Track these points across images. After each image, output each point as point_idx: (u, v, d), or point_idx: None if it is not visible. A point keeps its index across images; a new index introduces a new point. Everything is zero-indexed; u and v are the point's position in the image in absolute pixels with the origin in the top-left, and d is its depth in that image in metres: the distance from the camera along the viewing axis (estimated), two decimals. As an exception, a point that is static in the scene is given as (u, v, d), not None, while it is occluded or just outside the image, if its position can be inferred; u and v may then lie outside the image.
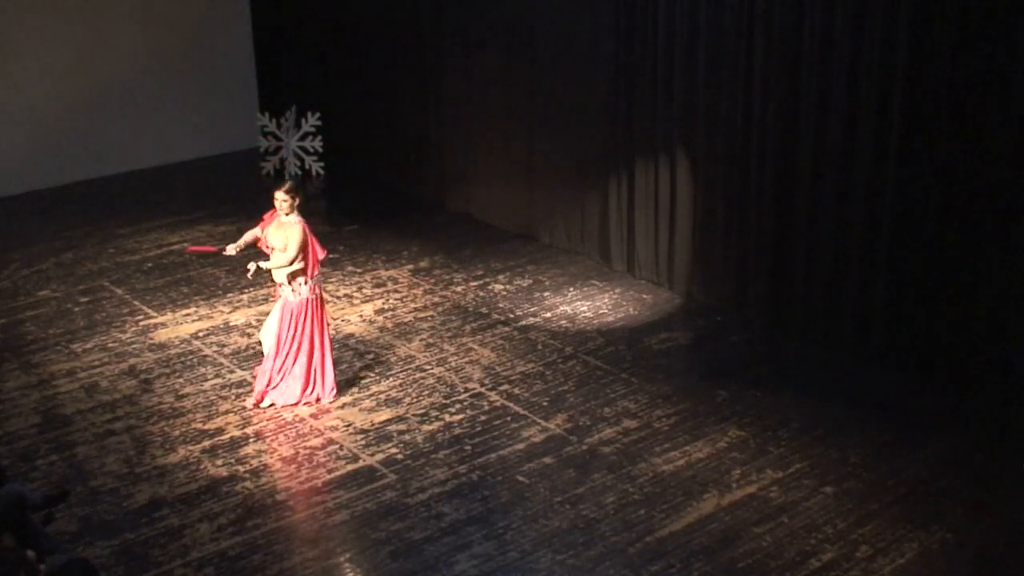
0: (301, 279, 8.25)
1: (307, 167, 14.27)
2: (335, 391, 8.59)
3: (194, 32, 14.67)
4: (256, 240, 8.45)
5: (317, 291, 8.38)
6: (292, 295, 8.27)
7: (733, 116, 9.57)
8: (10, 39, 13.31)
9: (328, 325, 8.59)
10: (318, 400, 8.54)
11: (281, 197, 8.12)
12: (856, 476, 7.54)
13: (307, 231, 8.17)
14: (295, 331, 8.32)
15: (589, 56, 10.73)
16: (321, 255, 8.33)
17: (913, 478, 7.50)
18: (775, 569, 6.64)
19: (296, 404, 8.48)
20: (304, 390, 8.47)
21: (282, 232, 8.14)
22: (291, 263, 8.13)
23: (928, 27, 8.10)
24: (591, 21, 10.63)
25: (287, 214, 8.15)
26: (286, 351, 8.36)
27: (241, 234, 8.69)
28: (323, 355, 8.49)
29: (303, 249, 8.13)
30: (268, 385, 8.48)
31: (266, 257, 8.33)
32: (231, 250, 8.49)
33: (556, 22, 10.99)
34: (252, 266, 8.28)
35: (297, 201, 8.15)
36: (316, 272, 8.33)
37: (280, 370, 8.41)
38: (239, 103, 15.13)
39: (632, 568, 6.67)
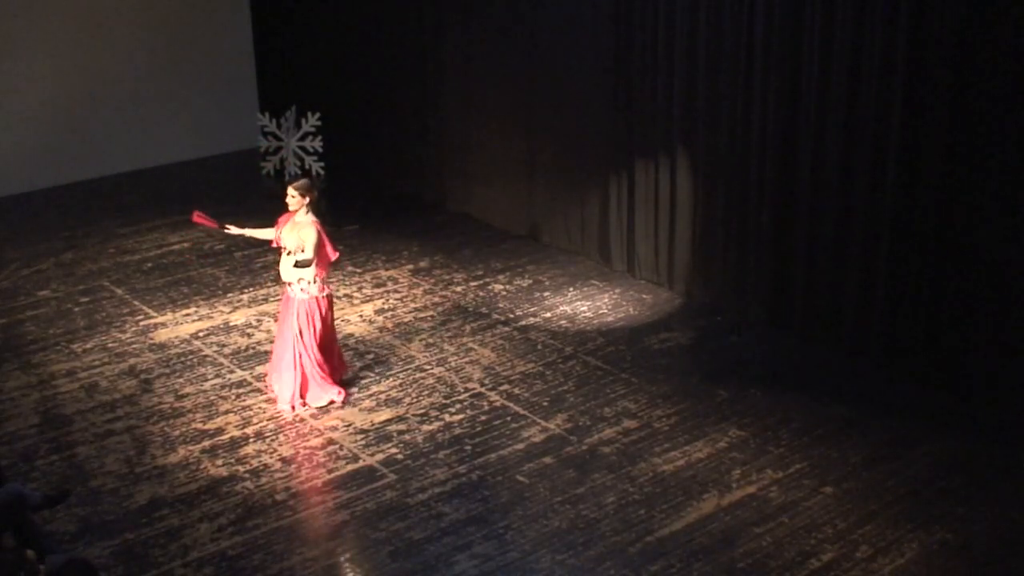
0: (311, 278, 8.23)
1: (307, 167, 14.26)
2: (342, 395, 8.55)
3: (194, 32, 14.67)
4: (269, 241, 8.48)
5: (326, 291, 8.37)
6: (301, 293, 8.23)
7: (733, 116, 9.57)
8: (10, 39, 13.31)
9: (333, 327, 8.58)
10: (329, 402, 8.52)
11: (291, 192, 8.11)
12: (856, 476, 7.54)
13: (321, 231, 8.15)
14: (310, 329, 8.27)
15: (589, 56, 10.74)
16: (333, 256, 8.34)
17: (913, 478, 7.50)
18: (775, 569, 6.64)
19: (334, 402, 8.47)
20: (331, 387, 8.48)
21: (296, 233, 8.12)
22: (310, 264, 8.07)
23: (928, 27, 8.10)
24: (591, 21, 10.63)
25: (295, 209, 8.12)
26: (300, 350, 8.31)
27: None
28: (321, 357, 8.44)
29: (318, 249, 8.11)
30: (300, 388, 8.45)
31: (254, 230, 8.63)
32: (232, 229, 8.59)
33: (556, 22, 10.99)
34: (242, 230, 8.52)
35: (308, 199, 8.11)
36: (325, 273, 8.35)
37: (305, 370, 8.37)
38: (239, 103, 15.13)
39: (632, 568, 6.67)
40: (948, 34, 7.98)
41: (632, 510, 7.23)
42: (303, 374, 8.38)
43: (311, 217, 8.17)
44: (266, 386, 8.71)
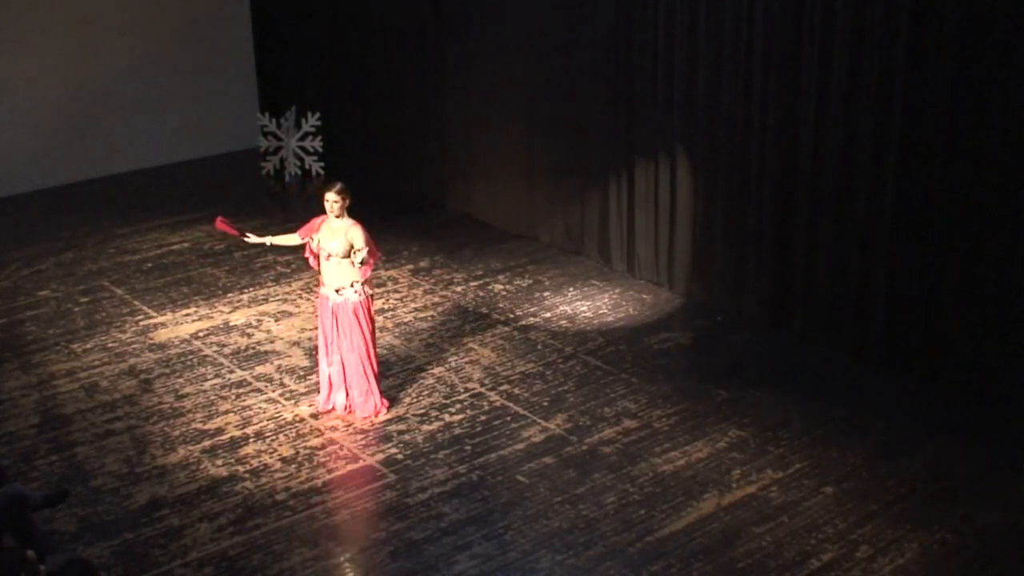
0: (360, 278, 8.12)
1: (307, 167, 14.28)
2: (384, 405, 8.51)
3: (194, 32, 14.67)
4: (299, 248, 8.40)
5: (369, 290, 8.27)
6: (356, 295, 8.10)
7: (733, 116, 9.57)
8: (10, 39, 13.32)
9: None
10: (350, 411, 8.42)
11: (332, 198, 7.93)
12: (856, 476, 7.54)
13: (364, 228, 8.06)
14: (361, 332, 8.18)
15: (589, 56, 10.73)
16: (377, 253, 8.28)
17: (913, 478, 7.50)
18: (775, 569, 6.64)
19: (375, 414, 8.39)
20: (370, 396, 8.38)
21: (340, 236, 7.95)
22: (364, 261, 7.97)
23: (929, 26, 8.10)
24: (591, 21, 10.63)
25: (337, 216, 7.98)
26: (359, 354, 8.23)
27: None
28: (372, 359, 8.37)
29: (370, 244, 8.02)
30: (347, 393, 8.39)
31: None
32: (253, 238, 8.50)
33: (556, 22, 10.99)
34: (262, 239, 8.44)
35: (348, 202, 7.98)
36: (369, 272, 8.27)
37: (357, 375, 8.29)
38: (239, 103, 15.13)
39: (632, 568, 6.67)
40: (948, 34, 7.98)
41: (632, 510, 7.23)
42: (367, 375, 8.33)
43: (351, 219, 8.01)
44: (329, 405, 8.46)
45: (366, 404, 8.36)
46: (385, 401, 8.49)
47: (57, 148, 13.83)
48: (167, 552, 6.88)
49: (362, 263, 7.97)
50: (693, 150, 10.00)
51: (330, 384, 8.42)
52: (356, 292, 8.11)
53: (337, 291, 8.12)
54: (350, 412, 8.41)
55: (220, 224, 8.57)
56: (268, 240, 8.52)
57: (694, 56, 9.77)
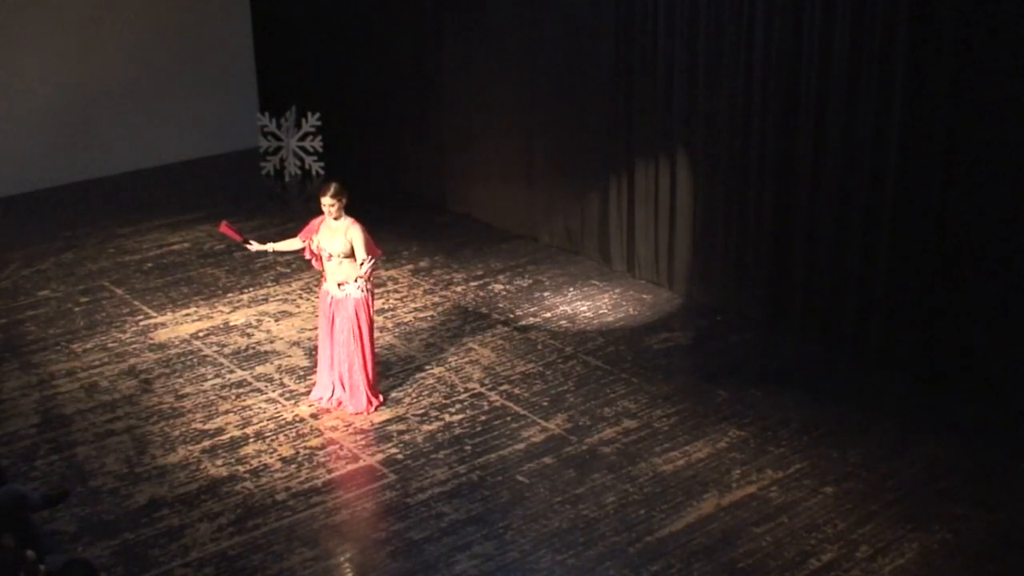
0: (363, 276, 8.14)
1: (307, 167, 14.27)
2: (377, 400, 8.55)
3: (194, 32, 14.67)
4: (299, 251, 8.45)
5: (370, 287, 8.31)
6: (358, 291, 8.14)
7: (733, 117, 9.57)
8: (10, 39, 13.31)
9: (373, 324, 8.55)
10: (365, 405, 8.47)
11: (328, 201, 7.96)
12: (856, 476, 7.54)
13: (364, 228, 8.06)
14: (358, 327, 8.22)
15: (589, 56, 10.73)
16: (378, 252, 8.27)
17: (913, 478, 7.50)
18: (775, 569, 6.64)
19: (365, 411, 8.42)
20: (368, 393, 8.43)
21: (340, 236, 8.00)
22: (363, 262, 8.01)
23: (928, 26, 8.10)
24: (591, 21, 10.63)
25: (336, 218, 8.02)
26: (351, 348, 8.26)
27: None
28: (372, 354, 8.42)
29: (369, 245, 8.04)
30: (335, 387, 8.46)
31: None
32: (254, 246, 8.54)
33: (556, 22, 11.00)
34: (264, 246, 8.50)
35: (344, 202, 8.00)
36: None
37: (349, 369, 8.33)
38: (239, 103, 15.13)
39: (632, 568, 6.67)
40: (948, 34, 7.98)
41: (632, 510, 7.23)
42: (366, 371, 8.37)
43: (350, 218, 8.05)
44: (321, 400, 8.55)
45: (354, 400, 8.39)
46: (377, 399, 8.49)
47: (57, 148, 13.82)
48: (167, 552, 6.88)
49: (375, 267, 8.07)
50: (693, 150, 9.99)
51: (333, 379, 8.46)
52: (359, 288, 8.17)
53: (339, 286, 8.18)
54: (339, 406, 8.44)
55: (224, 228, 8.57)
56: (270, 247, 8.57)
57: (694, 56, 9.77)
